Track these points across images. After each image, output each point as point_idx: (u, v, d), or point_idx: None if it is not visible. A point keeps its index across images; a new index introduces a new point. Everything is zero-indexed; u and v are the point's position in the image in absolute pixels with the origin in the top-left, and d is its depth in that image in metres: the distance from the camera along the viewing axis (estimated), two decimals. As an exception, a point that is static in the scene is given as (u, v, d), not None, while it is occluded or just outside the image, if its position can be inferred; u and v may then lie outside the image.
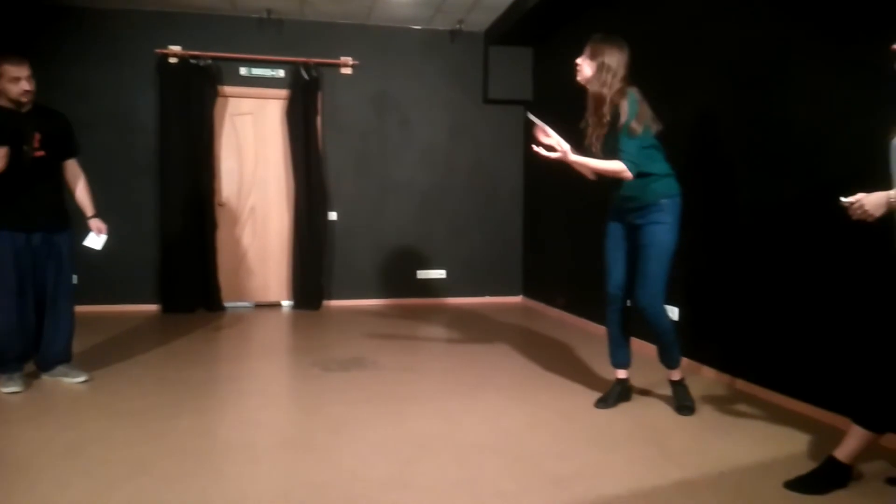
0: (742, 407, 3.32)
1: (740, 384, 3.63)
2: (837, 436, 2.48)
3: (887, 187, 2.15)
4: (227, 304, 6.38)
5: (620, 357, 3.37)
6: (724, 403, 3.36)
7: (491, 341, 4.92)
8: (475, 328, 5.48)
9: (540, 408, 3.31)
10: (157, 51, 6.11)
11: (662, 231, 3.07)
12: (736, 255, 3.70)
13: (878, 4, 2.76)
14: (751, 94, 3.58)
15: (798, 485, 2.32)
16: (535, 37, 6.34)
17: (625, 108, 3.00)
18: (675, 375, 3.28)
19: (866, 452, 2.31)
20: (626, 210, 3.19)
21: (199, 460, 2.60)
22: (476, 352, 4.60)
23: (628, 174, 2.99)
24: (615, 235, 3.28)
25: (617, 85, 3.05)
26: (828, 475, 2.31)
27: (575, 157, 3.06)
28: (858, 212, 2.15)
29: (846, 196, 2.16)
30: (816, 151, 3.15)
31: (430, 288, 6.90)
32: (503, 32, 6.24)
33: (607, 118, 3.05)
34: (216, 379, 3.88)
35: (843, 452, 2.29)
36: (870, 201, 2.13)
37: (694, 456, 2.68)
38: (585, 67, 3.14)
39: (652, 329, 3.19)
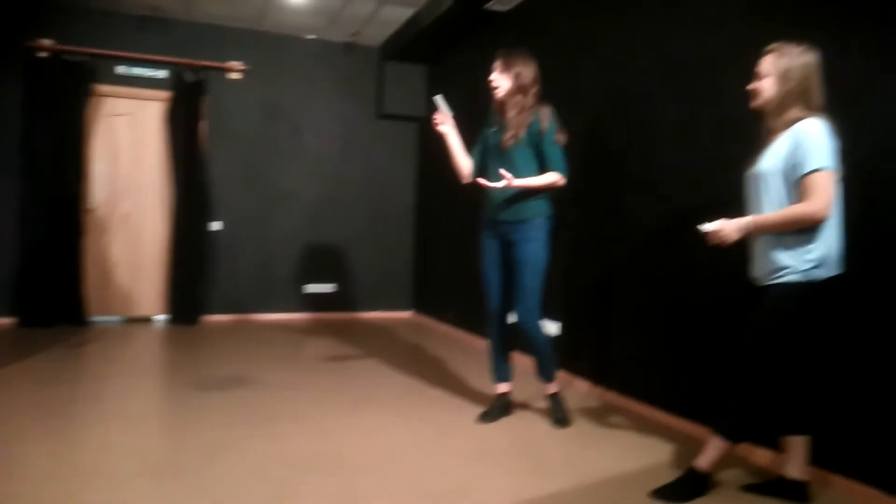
0: (614, 418, 3.47)
1: (611, 396, 3.80)
2: (700, 445, 2.64)
3: (744, 214, 2.34)
4: (92, 318, 5.94)
5: (501, 372, 3.43)
6: (597, 415, 3.49)
7: (377, 357, 4.88)
8: (363, 343, 5.41)
9: (422, 424, 3.30)
10: (26, 43, 5.62)
11: (537, 248, 3.18)
12: (610, 272, 3.88)
13: (730, 46, 3.00)
14: (627, 122, 3.79)
15: (662, 493, 2.44)
16: (429, 55, 6.42)
17: (546, 115, 3.15)
18: (551, 389, 3.36)
19: (724, 461, 2.47)
20: (500, 223, 3.24)
21: (54, 489, 2.37)
22: (361, 368, 4.54)
23: (563, 181, 3.14)
24: (491, 253, 3.33)
25: (535, 91, 3.19)
26: (689, 484, 2.45)
27: (518, 182, 3.07)
28: (716, 238, 2.32)
29: (705, 223, 2.33)
30: (681, 178, 3.38)
31: (319, 302, 6.75)
32: (398, 48, 6.28)
33: (527, 124, 3.14)
34: (76, 400, 3.57)
35: (703, 461, 2.43)
36: (728, 227, 2.31)
37: (568, 468, 2.76)
38: (502, 81, 3.20)
39: (529, 343, 3.28)
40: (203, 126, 6.17)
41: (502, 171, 3.07)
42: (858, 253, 2.38)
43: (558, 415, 3.32)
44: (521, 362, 4.18)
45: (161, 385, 4.08)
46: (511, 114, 3.18)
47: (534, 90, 3.20)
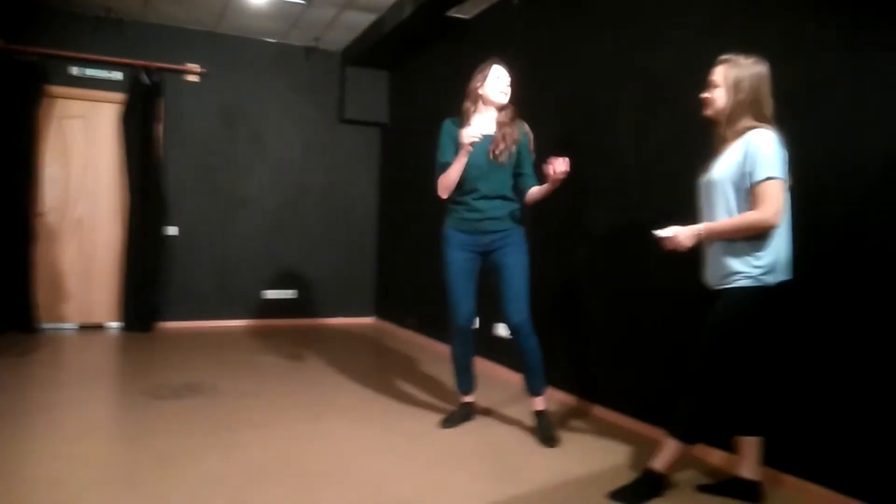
0: (574, 422, 3.51)
1: (572, 400, 3.84)
2: (655, 447, 2.68)
3: (697, 221, 2.40)
4: (43, 326, 5.75)
5: (468, 384, 3.40)
6: (558, 419, 3.52)
7: (339, 363, 4.83)
8: (323, 350, 5.36)
9: (383, 430, 3.28)
10: (-28, 41, 5.45)
11: (522, 252, 3.17)
12: (569, 278, 3.92)
13: (685, 56, 3.08)
14: (585, 130, 3.85)
15: (620, 495, 2.48)
16: (391, 61, 6.42)
17: (528, 128, 3.19)
18: (540, 405, 3.21)
19: (680, 463, 2.52)
20: (486, 232, 3.16)
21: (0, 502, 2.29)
22: (322, 374, 4.49)
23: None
24: (463, 266, 3.21)
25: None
26: (646, 485, 2.49)
27: (536, 194, 3.11)
28: (671, 244, 2.37)
29: (659, 228, 2.38)
30: (638, 185, 3.44)
31: (279, 308, 6.66)
32: (360, 54, 6.26)
33: (516, 139, 3.15)
34: (25, 409, 3.45)
35: (659, 463, 2.47)
36: (682, 234, 2.36)
37: (529, 471, 2.78)
38: (508, 88, 3.20)
39: (521, 348, 3.15)
40: (159, 129, 6.05)
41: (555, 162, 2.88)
42: (806, 259, 2.46)
43: (547, 433, 3.14)
44: (485, 367, 4.20)
45: (114, 393, 3.97)
46: (505, 127, 3.13)
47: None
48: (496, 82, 3.14)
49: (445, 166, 3.16)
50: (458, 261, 3.22)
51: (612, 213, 3.62)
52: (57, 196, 5.88)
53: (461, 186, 3.16)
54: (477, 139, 2.95)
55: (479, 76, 3.17)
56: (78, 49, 5.78)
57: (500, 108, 3.17)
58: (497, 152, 3.10)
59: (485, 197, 3.14)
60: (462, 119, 3.21)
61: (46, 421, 3.28)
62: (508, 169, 3.16)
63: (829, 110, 2.53)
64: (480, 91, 3.16)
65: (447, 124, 3.27)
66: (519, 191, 3.21)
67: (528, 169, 3.19)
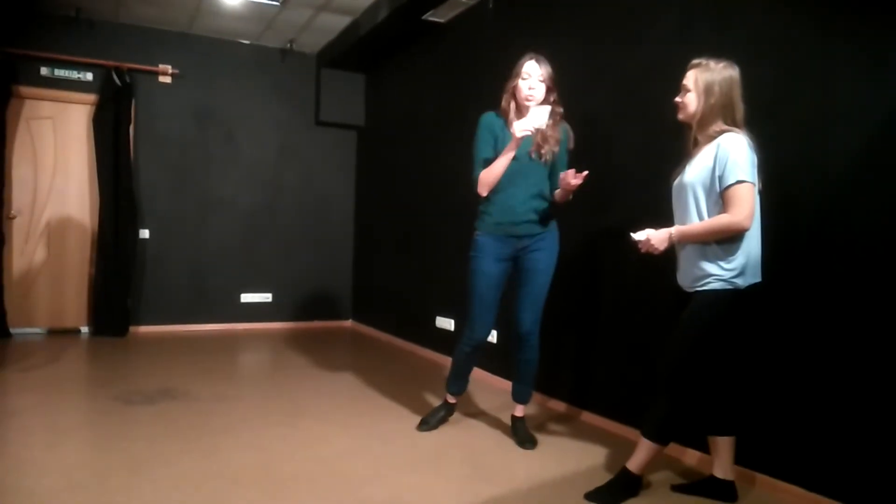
0: (552, 424, 3.52)
1: (550, 402, 3.86)
2: (631, 448, 2.70)
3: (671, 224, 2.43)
4: (13, 331, 5.63)
5: (460, 387, 3.35)
6: (536, 421, 3.53)
7: (315, 366, 4.80)
8: (300, 353, 5.32)
9: (360, 432, 3.27)
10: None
11: (553, 256, 3.06)
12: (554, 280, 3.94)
13: (657, 59, 3.12)
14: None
15: (595, 495, 2.50)
16: (367, 63, 6.41)
17: (568, 129, 3.07)
18: (520, 412, 3.22)
19: (654, 463, 2.54)
20: (522, 237, 3.02)
21: (-40, 513, 2.24)
22: (298, 378, 4.46)
23: None
24: (496, 276, 3.07)
25: (555, 95, 3.00)
26: (621, 485, 2.51)
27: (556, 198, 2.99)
28: (646, 247, 2.40)
29: (634, 232, 2.41)
30: (611, 189, 3.47)
31: (255, 312, 6.60)
32: (336, 56, 6.24)
33: (558, 138, 3.00)
34: (-8, 416, 3.39)
35: (634, 464, 2.50)
36: (655, 237, 2.39)
37: (506, 473, 2.79)
38: (541, 86, 2.95)
39: (524, 356, 3.11)
40: (131, 131, 5.96)
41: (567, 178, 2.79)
42: (776, 261, 2.50)
43: (524, 435, 3.16)
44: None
45: (85, 399, 3.90)
46: (550, 127, 2.93)
47: (555, 95, 2.99)
48: (524, 81, 2.94)
49: (487, 162, 2.99)
50: (490, 272, 3.05)
51: (587, 217, 3.65)
52: (26, 198, 5.76)
53: (507, 184, 2.98)
54: (530, 132, 2.79)
55: (513, 73, 2.99)
56: (48, 49, 5.68)
57: (541, 104, 2.91)
58: (542, 151, 2.96)
59: (523, 196, 2.99)
60: (503, 117, 3.05)
61: (15, 427, 3.21)
62: (547, 168, 3.02)
63: (798, 113, 2.58)
64: (515, 90, 2.99)
65: (489, 117, 3.08)
66: (551, 191, 3.07)
67: (563, 168, 2.99)
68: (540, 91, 2.94)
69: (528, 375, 3.18)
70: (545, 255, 3.04)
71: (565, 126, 3.07)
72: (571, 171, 2.79)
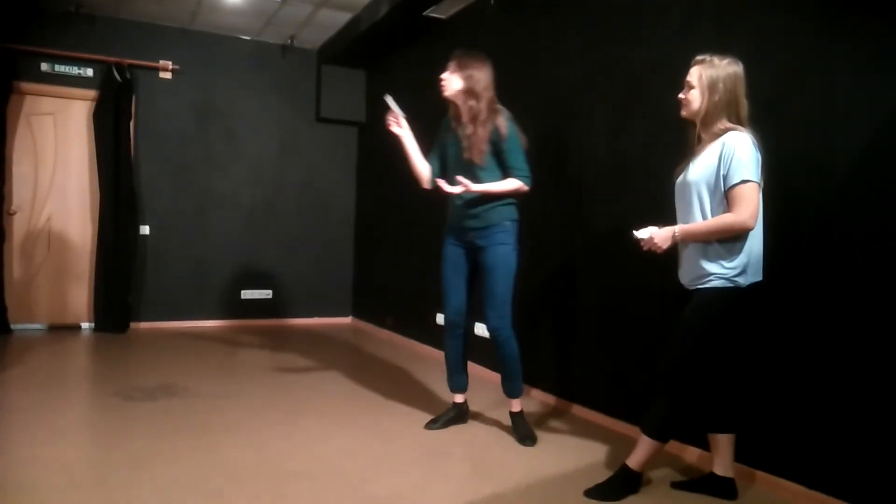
0: (552, 421, 3.52)
1: (550, 399, 3.86)
2: (631, 445, 2.70)
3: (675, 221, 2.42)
4: (14, 326, 5.64)
5: (459, 382, 3.36)
6: (536, 418, 3.53)
7: (316, 364, 4.80)
8: (301, 350, 5.32)
9: (362, 430, 3.27)
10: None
11: (507, 252, 3.08)
12: (545, 278, 3.95)
13: (659, 56, 3.11)
14: (562, 129, 3.87)
15: (596, 492, 2.50)
16: (368, 59, 6.39)
17: (503, 123, 3.03)
18: (516, 406, 3.22)
19: (655, 460, 2.55)
20: (466, 229, 3.13)
21: (-39, 509, 2.24)
22: (299, 375, 4.46)
23: (526, 188, 3.07)
24: (454, 259, 3.22)
25: (489, 96, 3.04)
26: (622, 482, 2.51)
27: (477, 187, 2.99)
28: (648, 245, 2.39)
29: (638, 230, 2.40)
30: (615, 186, 3.47)
31: (255, 308, 6.60)
32: (336, 52, 6.23)
33: (489, 132, 3.02)
34: (-7, 412, 3.39)
35: (634, 461, 2.50)
36: (659, 236, 2.37)
37: (506, 470, 2.79)
38: (453, 81, 3.07)
39: (499, 353, 3.15)
40: (131, 126, 5.96)
41: (459, 178, 2.97)
42: (778, 259, 2.50)
43: (524, 433, 3.16)
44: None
45: (86, 395, 3.90)
46: (468, 126, 3.04)
47: (487, 96, 3.04)
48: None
49: (432, 159, 3.32)
50: (449, 255, 3.24)
51: (589, 213, 3.65)
52: (27, 194, 5.76)
53: (451, 183, 3.09)
54: (395, 128, 3.22)
55: None
56: (48, 45, 5.68)
57: (456, 104, 3.11)
58: (471, 153, 3.05)
59: (459, 196, 3.10)
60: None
61: (16, 422, 3.22)
62: (489, 168, 3.06)
63: (800, 110, 2.57)
64: None
65: (446, 118, 3.29)
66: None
67: (513, 162, 3.04)
68: (448, 84, 3.10)
69: (511, 370, 3.18)
70: (495, 250, 3.09)
71: (495, 124, 3.04)
72: (460, 178, 2.97)
